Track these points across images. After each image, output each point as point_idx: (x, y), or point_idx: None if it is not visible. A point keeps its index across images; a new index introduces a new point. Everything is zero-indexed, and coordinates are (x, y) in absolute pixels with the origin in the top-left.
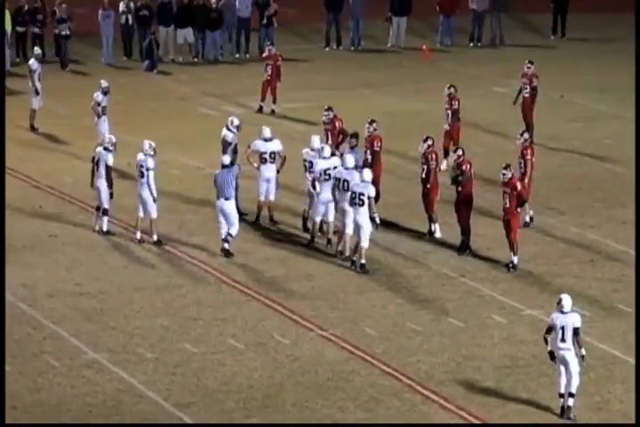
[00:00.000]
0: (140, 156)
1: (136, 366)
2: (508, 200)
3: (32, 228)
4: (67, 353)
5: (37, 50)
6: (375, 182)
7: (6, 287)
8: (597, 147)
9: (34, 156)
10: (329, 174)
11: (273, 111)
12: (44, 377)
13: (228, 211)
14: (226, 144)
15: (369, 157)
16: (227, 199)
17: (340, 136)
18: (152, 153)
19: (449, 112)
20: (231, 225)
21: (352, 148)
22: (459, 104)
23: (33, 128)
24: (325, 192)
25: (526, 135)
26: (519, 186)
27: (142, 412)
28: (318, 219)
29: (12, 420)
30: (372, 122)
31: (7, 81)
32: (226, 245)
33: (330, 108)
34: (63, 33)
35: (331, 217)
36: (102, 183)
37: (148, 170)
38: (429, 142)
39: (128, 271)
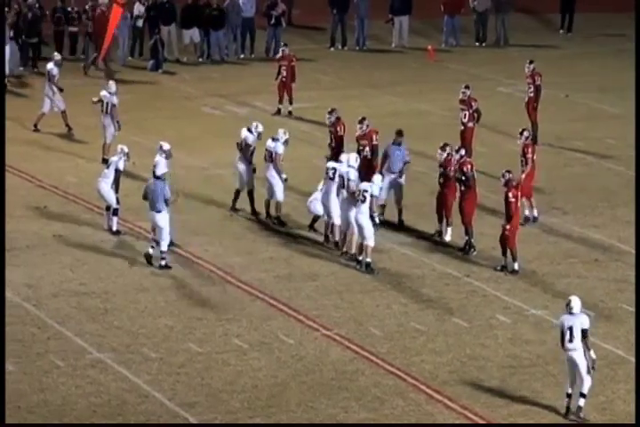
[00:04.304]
0: (156, 156)
1: (140, 366)
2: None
3: (36, 227)
4: (71, 353)
5: (57, 55)
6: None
7: (11, 287)
8: (601, 146)
9: (38, 155)
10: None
11: (290, 113)
12: (49, 377)
13: (160, 224)
14: (246, 147)
15: (367, 153)
16: (158, 212)
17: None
18: (164, 155)
19: (466, 113)
20: (161, 240)
21: (397, 145)
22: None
23: (36, 128)
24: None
25: (526, 133)
26: (510, 196)
27: (147, 412)
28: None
29: (17, 420)
30: (362, 120)
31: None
32: (162, 262)
33: (333, 111)
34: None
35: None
36: (105, 184)
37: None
38: (448, 150)
39: (132, 271)
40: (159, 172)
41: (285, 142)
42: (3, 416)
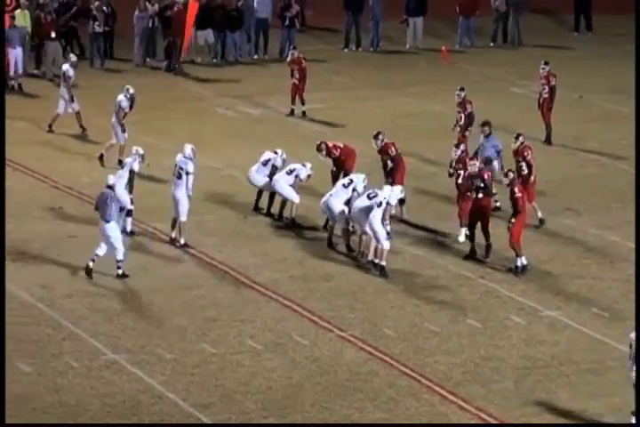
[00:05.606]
0: (181, 158)
1: (155, 367)
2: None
3: (51, 228)
4: (86, 354)
5: (73, 56)
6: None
7: (25, 288)
8: (615, 147)
9: (53, 156)
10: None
11: (304, 113)
12: (64, 378)
13: (108, 233)
14: (273, 167)
15: (390, 165)
16: (107, 222)
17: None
18: (192, 157)
19: (462, 115)
20: (114, 249)
21: (487, 136)
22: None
23: (50, 129)
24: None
25: (521, 138)
26: (517, 191)
27: (161, 412)
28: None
29: (32, 420)
30: (377, 135)
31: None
32: (119, 271)
33: (319, 146)
34: (98, 30)
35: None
36: (119, 185)
37: (187, 174)
38: (462, 148)
39: (147, 272)
40: (110, 181)
41: (308, 176)
42: (3, 416)
